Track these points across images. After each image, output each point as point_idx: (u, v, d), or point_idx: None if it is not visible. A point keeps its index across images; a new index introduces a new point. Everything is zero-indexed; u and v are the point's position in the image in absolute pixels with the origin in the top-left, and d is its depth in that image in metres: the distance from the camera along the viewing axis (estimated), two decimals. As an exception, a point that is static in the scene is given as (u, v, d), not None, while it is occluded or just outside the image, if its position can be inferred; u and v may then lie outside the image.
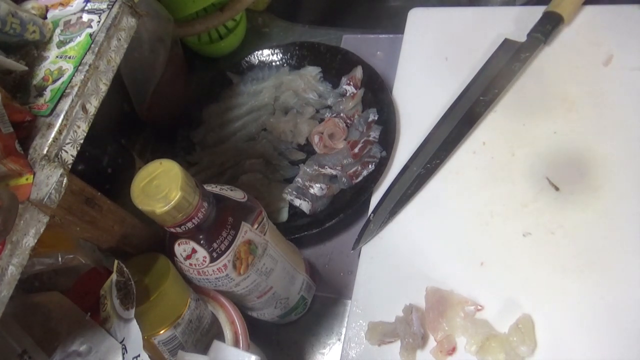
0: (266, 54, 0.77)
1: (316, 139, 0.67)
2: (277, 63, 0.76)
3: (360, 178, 0.63)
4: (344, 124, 0.67)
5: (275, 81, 0.74)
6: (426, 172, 0.60)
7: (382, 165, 0.62)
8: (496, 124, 0.61)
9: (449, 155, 0.60)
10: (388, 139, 0.63)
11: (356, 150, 0.64)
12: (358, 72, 0.70)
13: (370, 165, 0.62)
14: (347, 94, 0.70)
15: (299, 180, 0.64)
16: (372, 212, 0.59)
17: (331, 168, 0.64)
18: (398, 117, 0.65)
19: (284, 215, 0.64)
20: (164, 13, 0.68)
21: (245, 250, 0.45)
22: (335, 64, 0.73)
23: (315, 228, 0.60)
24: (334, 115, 0.69)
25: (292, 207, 0.64)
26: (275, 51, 0.76)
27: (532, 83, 0.63)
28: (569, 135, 0.58)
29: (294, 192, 0.64)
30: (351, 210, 0.60)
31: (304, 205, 0.63)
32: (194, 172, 0.69)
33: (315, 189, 0.63)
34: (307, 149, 0.69)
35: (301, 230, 0.60)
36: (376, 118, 0.66)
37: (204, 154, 0.72)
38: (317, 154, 0.67)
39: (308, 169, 0.65)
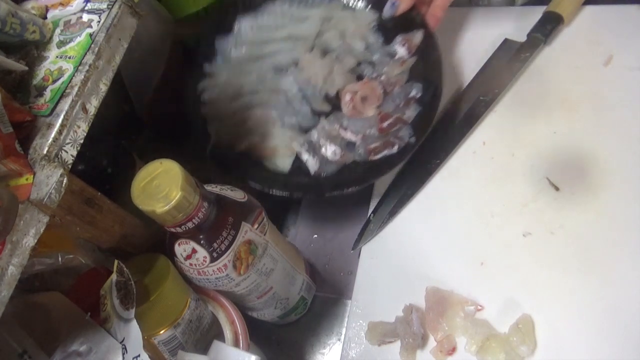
0: None
1: (347, 97, 0.59)
2: None
3: (378, 156, 0.55)
4: (382, 90, 0.59)
5: (325, 13, 0.64)
6: (426, 172, 0.60)
7: (406, 152, 0.54)
8: (496, 124, 0.61)
9: (449, 155, 0.60)
10: (423, 124, 0.56)
11: (385, 124, 0.56)
12: (417, 37, 0.60)
13: (393, 147, 0.55)
14: (397, 57, 0.60)
15: (315, 134, 0.57)
16: (372, 212, 0.59)
17: (352, 133, 0.57)
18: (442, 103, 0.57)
19: (287, 165, 0.57)
20: (164, 13, 0.68)
21: (246, 250, 0.45)
22: (395, 17, 0.62)
23: (314, 193, 0.56)
24: (374, 76, 0.60)
25: (296, 160, 0.58)
26: None
27: (532, 83, 0.63)
28: (569, 135, 0.58)
29: (305, 145, 0.57)
30: (356, 189, 0.54)
31: (311, 163, 0.56)
32: (205, 86, 0.61)
33: (329, 150, 0.56)
34: (334, 102, 0.60)
35: (298, 190, 0.55)
36: (418, 96, 0.58)
37: (224, 67, 0.62)
38: (343, 113, 0.59)
39: (327, 126, 0.58)
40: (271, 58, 0.62)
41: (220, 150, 0.57)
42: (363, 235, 0.58)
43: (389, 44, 0.62)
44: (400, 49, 0.60)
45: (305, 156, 0.56)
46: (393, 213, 0.59)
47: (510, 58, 0.63)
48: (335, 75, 0.60)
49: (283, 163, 0.57)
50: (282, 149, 0.57)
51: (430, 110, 0.56)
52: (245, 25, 0.64)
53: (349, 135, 0.57)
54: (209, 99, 0.61)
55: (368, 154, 0.56)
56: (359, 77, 0.61)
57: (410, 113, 0.57)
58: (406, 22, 0.61)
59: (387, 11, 0.61)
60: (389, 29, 0.62)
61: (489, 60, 0.65)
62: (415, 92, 0.58)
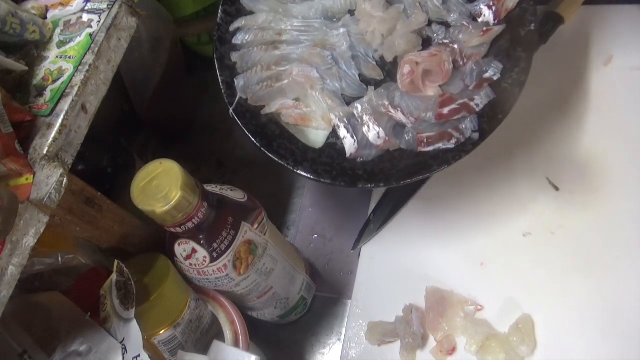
0: None
1: (406, 69, 0.47)
2: None
3: (429, 148, 0.45)
4: (451, 65, 0.47)
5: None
6: (426, 172, 0.60)
7: (464, 149, 0.44)
8: (496, 124, 0.61)
9: (449, 155, 0.60)
10: (493, 118, 0.44)
11: (445, 110, 0.45)
12: (512, 0, 0.48)
13: (449, 141, 0.44)
14: (480, 20, 0.48)
15: (359, 107, 0.47)
16: (372, 212, 0.59)
17: (404, 114, 0.46)
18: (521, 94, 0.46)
19: (320, 140, 0.49)
20: (164, 13, 0.68)
21: (246, 250, 0.45)
22: None
23: (344, 182, 0.45)
24: (447, 42, 0.48)
25: (331, 136, 0.49)
26: None
27: (532, 83, 0.63)
28: (569, 135, 0.58)
29: (344, 120, 0.47)
30: (394, 186, 0.46)
31: (347, 143, 0.47)
32: (241, 25, 0.52)
33: (371, 130, 0.46)
34: (390, 71, 0.49)
35: (327, 175, 0.46)
36: (495, 78, 0.46)
37: (266, 4, 0.52)
38: (396, 86, 0.48)
39: (375, 99, 0.47)
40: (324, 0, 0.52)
41: (245, 111, 0.49)
42: (363, 235, 0.59)
43: (473, 0, 0.49)
44: (487, 11, 0.48)
45: (343, 133, 0.47)
46: (393, 213, 0.59)
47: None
48: (397, 35, 0.48)
49: (316, 137, 0.49)
50: (317, 119, 0.48)
51: (507, 100, 0.45)
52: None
53: (399, 116, 0.46)
54: (241, 42, 0.52)
55: (418, 143, 0.46)
56: (426, 41, 0.49)
57: (480, 100, 0.45)
58: None
59: None
60: None
61: (489, 60, 0.65)
62: (493, 72, 0.46)
